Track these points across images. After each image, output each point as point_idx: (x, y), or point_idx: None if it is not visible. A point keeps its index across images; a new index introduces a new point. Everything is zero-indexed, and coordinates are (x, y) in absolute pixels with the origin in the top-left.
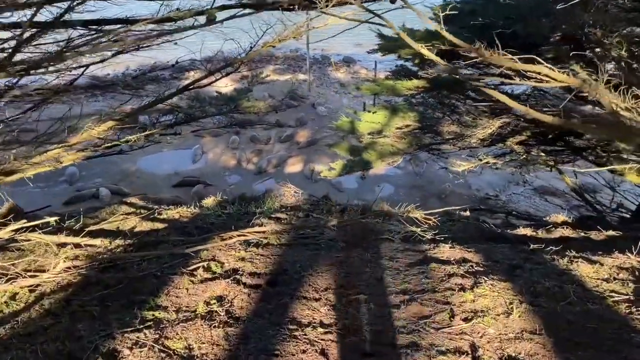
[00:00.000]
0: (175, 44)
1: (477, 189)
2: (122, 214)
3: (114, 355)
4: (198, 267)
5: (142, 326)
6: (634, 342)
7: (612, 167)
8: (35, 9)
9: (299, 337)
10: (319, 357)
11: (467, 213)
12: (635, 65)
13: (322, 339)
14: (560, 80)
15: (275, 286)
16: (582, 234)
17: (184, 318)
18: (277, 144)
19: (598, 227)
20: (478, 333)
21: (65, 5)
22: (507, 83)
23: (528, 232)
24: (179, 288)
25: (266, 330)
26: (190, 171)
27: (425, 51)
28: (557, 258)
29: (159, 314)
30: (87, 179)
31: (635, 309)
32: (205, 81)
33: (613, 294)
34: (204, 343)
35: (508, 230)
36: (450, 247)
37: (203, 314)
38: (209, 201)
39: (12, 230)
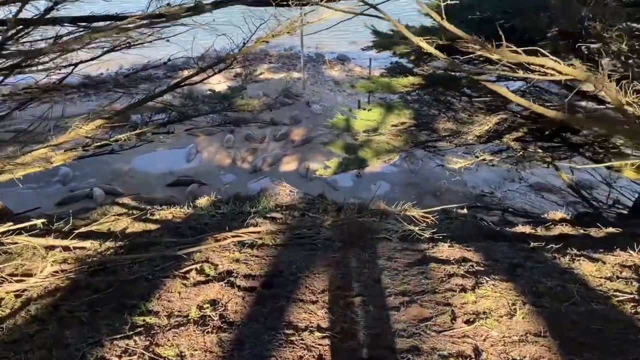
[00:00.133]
0: (167, 40)
1: (473, 186)
2: (114, 215)
3: None
4: (191, 270)
5: (132, 332)
6: None
7: (610, 163)
8: (20, 4)
9: (296, 342)
10: None
11: (465, 211)
12: (636, 60)
13: (319, 344)
14: (565, 73)
15: (271, 288)
16: (582, 231)
17: (176, 323)
18: (272, 143)
19: (597, 224)
20: (481, 336)
21: (52, 0)
22: (505, 78)
23: (527, 229)
24: (171, 292)
25: (261, 335)
26: (185, 170)
27: (424, 44)
28: (558, 256)
29: (150, 319)
30: (81, 179)
31: None
32: (196, 78)
33: (617, 293)
34: (196, 350)
35: (506, 228)
36: (450, 246)
37: (196, 318)
38: (202, 201)
39: None
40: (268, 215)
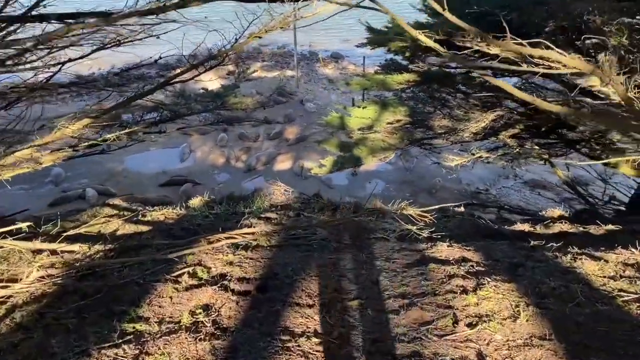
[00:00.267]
0: (158, 37)
1: (468, 184)
2: (104, 217)
3: None
4: (183, 273)
5: (121, 341)
6: None
7: (608, 160)
8: (4, 1)
9: (292, 348)
10: None
11: (462, 209)
12: (637, 54)
13: (317, 350)
14: (571, 65)
15: (266, 292)
16: (581, 228)
17: (167, 330)
18: (266, 141)
19: (597, 221)
20: (484, 340)
21: None
22: (501, 74)
23: (526, 227)
24: (162, 296)
25: (256, 342)
26: (178, 170)
27: (423, 37)
28: (559, 255)
29: (140, 326)
30: (73, 179)
31: None
32: (187, 75)
33: (622, 293)
34: (188, 358)
35: (505, 226)
36: (449, 246)
37: (188, 325)
38: (195, 201)
39: None
40: (262, 216)
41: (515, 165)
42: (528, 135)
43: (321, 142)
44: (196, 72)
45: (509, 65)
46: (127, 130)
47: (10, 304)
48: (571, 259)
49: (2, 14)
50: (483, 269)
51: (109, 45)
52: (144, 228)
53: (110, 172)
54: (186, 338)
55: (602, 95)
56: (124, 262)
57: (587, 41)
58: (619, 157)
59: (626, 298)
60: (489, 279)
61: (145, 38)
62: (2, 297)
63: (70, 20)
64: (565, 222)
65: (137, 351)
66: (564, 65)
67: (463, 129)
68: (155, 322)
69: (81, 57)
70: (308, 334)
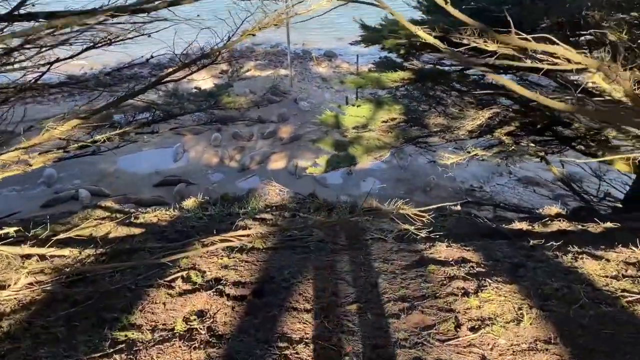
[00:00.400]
0: (149, 36)
1: (462, 181)
2: (96, 219)
3: None
4: (177, 278)
5: (112, 350)
6: None
7: (606, 158)
8: None
9: (291, 356)
10: None
11: (458, 207)
12: (636, 49)
13: (315, 357)
14: (577, 61)
15: (262, 297)
16: (580, 226)
17: (161, 338)
18: (260, 141)
19: (595, 219)
20: (488, 345)
21: None
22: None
23: (524, 226)
24: (155, 303)
25: (253, 349)
26: (172, 170)
27: (422, 33)
28: (560, 255)
29: (132, 334)
30: (66, 180)
31: None
32: (179, 74)
33: (625, 294)
34: None
35: (503, 225)
36: (447, 246)
37: (182, 332)
38: (189, 202)
39: None
40: (257, 217)
41: (510, 162)
42: (524, 132)
43: (315, 141)
44: (188, 71)
45: (511, 61)
46: (118, 131)
47: None
48: (572, 259)
49: None
50: (483, 270)
51: (99, 44)
52: (137, 231)
53: (103, 172)
54: (180, 346)
55: (597, 92)
56: (116, 267)
57: (582, 37)
58: (616, 155)
59: (630, 299)
60: (490, 281)
61: (136, 37)
62: None
63: (58, 18)
64: (563, 220)
65: None
66: (570, 61)
67: (459, 126)
68: (148, 330)
69: (71, 57)
70: (306, 340)
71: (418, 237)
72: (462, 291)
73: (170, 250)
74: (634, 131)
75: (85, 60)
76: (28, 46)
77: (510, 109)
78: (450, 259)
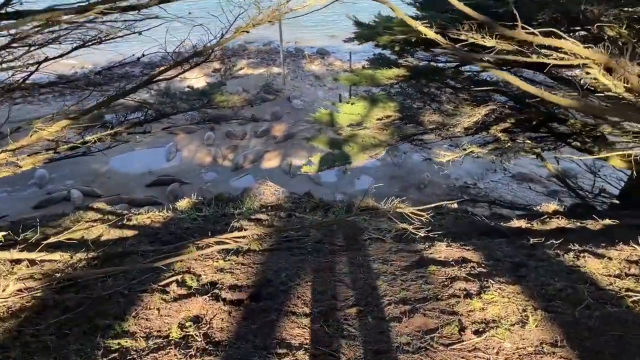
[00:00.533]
0: (140, 34)
1: (456, 178)
2: (88, 221)
3: None
4: (171, 282)
5: (104, 359)
6: None
7: (604, 155)
8: None
9: None
10: None
11: (455, 205)
12: (636, 45)
13: None
14: (584, 55)
15: (260, 301)
16: (578, 224)
17: (155, 346)
18: (253, 139)
19: (594, 216)
20: (493, 349)
21: None
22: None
23: (522, 224)
24: (149, 308)
25: (251, 356)
26: (165, 169)
27: (422, 28)
28: (561, 253)
29: (126, 342)
30: (58, 181)
31: None
32: (171, 72)
33: (630, 293)
34: None
35: (501, 223)
36: (447, 246)
37: (177, 339)
38: (183, 203)
39: None
40: (253, 217)
41: (505, 159)
42: (519, 129)
43: (310, 139)
44: (180, 69)
45: (514, 56)
46: (110, 131)
47: None
48: (574, 257)
49: None
50: (485, 270)
51: (89, 43)
52: (130, 233)
53: (95, 173)
54: (175, 354)
55: (592, 88)
56: (108, 272)
57: (577, 33)
58: (613, 152)
59: (635, 298)
60: (492, 282)
61: (127, 35)
62: None
63: (46, 16)
64: (561, 218)
65: None
66: (576, 56)
67: (455, 124)
68: (142, 337)
69: (60, 56)
70: (306, 346)
71: (417, 236)
72: (465, 292)
73: (164, 253)
74: (634, 127)
75: (76, 60)
76: (15, 45)
77: (506, 106)
78: (451, 259)
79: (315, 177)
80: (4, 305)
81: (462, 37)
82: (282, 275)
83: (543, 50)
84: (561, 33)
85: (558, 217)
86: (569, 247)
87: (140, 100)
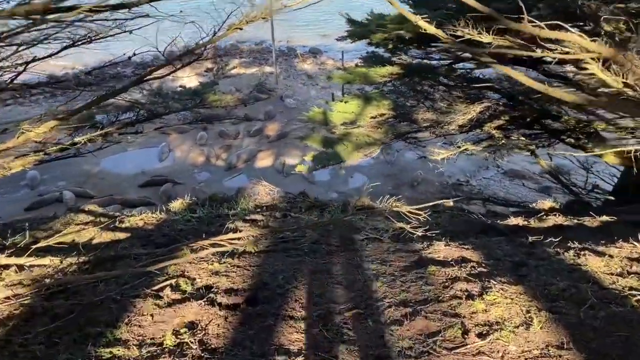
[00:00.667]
0: (131, 33)
1: (449, 176)
2: (79, 224)
3: None
4: (165, 286)
5: None
6: None
7: (599, 152)
8: None
9: None
10: None
11: (451, 203)
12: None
13: None
14: (591, 49)
15: (256, 305)
16: (575, 221)
17: (148, 354)
18: (247, 139)
19: (590, 212)
20: (498, 352)
21: None
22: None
23: (519, 222)
24: (143, 314)
25: None
26: (158, 170)
27: (423, 23)
28: (561, 251)
29: (118, 350)
30: (50, 182)
31: None
32: (163, 71)
33: (633, 292)
34: None
35: (497, 221)
36: (446, 245)
37: (171, 347)
38: (176, 204)
39: None
40: (248, 218)
41: (498, 156)
42: (513, 126)
43: (303, 138)
44: (172, 68)
45: (518, 51)
46: (100, 132)
47: None
48: (574, 255)
49: None
50: (485, 270)
51: (79, 42)
52: (122, 235)
53: (87, 173)
54: None
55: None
56: (100, 277)
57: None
58: (608, 148)
59: (639, 297)
60: (494, 282)
61: (117, 34)
62: None
63: (36, 16)
64: (558, 215)
65: None
66: (584, 49)
67: (449, 121)
68: (135, 345)
69: (49, 55)
70: (305, 352)
71: (414, 235)
72: (466, 294)
73: (158, 256)
74: (629, 123)
75: (66, 60)
76: (2, 44)
77: (500, 103)
78: (450, 258)
79: (309, 176)
80: None
81: (459, 33)
82: (278, 278)
83: (547, 45)
84: (567, 26)
85: (555, 214)
86: (569, 245)
87: (132, 100)
